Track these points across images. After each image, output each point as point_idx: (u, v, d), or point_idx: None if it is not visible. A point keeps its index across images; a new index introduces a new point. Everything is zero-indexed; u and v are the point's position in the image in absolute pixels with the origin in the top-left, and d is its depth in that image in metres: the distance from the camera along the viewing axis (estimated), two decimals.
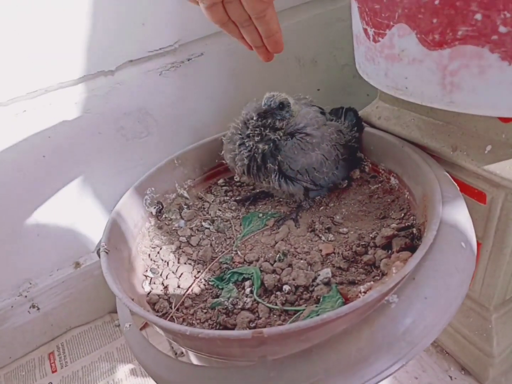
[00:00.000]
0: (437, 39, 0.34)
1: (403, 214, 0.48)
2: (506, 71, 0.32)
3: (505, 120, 0.41)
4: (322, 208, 0.54)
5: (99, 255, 0.45)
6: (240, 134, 0.50)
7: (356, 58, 0.49)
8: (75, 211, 0.68)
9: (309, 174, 0.50)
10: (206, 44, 0.68)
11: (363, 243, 0.46)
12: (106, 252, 0.44)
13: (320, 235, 0.49)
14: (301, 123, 0.49)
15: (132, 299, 0.42)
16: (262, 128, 0.48)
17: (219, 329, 0.41)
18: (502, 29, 0.31)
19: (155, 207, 0.56)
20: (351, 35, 0.50)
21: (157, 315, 0.44)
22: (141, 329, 0.69)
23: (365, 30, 0.42)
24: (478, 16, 0.31)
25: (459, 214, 0.40)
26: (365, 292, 0.36)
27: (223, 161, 0.63)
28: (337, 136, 0.52)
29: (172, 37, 0.64)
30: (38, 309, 0.70)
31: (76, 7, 0.55)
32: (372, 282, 0.37)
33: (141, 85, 0.65)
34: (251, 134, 0.49)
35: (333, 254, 0.47)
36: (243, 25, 0.40)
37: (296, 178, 0.50)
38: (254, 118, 0.48)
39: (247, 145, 0.49)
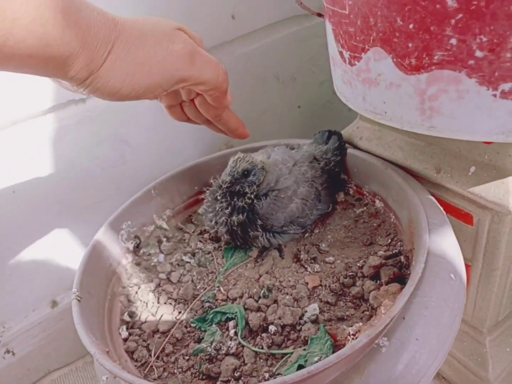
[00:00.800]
0: (414, 64, 0.33)
1: (390, 240, 0.46)
2: (484, 96, 0.31)
3: (487, 141, 0.39)
4: (307, 235, 0.52)
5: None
6: (215, 205, 0.48)
7: (333, 79, 0.48)
8: (49, 247, 0.65)
9: (293, 223, 0.48)
10: None
11: (351, 273, 0.44)
12: (78, 300, 0.41)
13: (306, 265, 0.47)
14: (272, 180, 0.47)
15: (107, 351, 0.39)
16: (230, 198, 0.47)
17: (202, 378, 0.39)
18: (478, 53, 0.30)
19: (132, 242, 0.54)
20: (328, 51, 0.48)
21: (135, 365, 0.41)
22: None
23: (341, 53, 0.41)
24: (453, 41, 0.30)
25: (446, 242, 0.38)
26: (354, 335, 0.34)
27: (203, 189, 0.62)
28: (312, 171, 0.50)
29: None
30: (14, 354, 0.66)
31: None
32: (360, 324, 0.35)
33: (114, 110, 0.62)
34: (220, 208, 0.47)
35: (320, 287, 0.44)
36: (204, 123, 0.42)
37: (283, 231, 0.48)
38: (220, 190, 0.47)
39: (221, 221, 0.47)
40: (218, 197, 0.47)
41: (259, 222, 0.47)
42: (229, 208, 0.47)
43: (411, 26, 0.31)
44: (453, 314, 0.34)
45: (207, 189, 0.52)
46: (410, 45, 0.33)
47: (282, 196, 0.47)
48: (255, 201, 0.46)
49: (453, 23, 0.29)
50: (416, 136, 0.47)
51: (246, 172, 0.46)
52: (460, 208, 0.45)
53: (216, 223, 0.48)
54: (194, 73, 0.33)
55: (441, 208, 0.42)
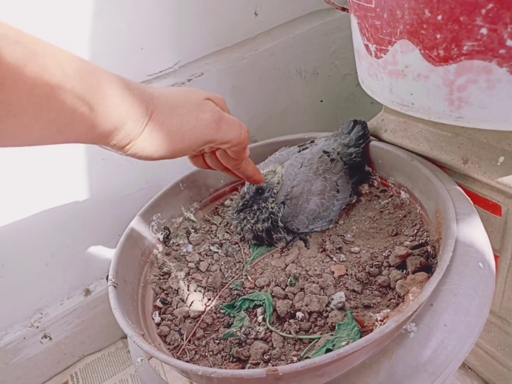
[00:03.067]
0: (442, 55, 0.33)
1: (416, 230, 0.47)
2: None
3: None
4: (331, 226, 0.53)
5: (107, 280, 0.44)
6: (239, 214, 0.51)
7: (358, 73, 0.48)
8: (82, 238, 0.68)
9: (317, 219, 0.50)
10: (206, 64, 0.67)
11: (376, 263, 0.45)
12: (114, 286, 0.43)
13: (331, 255, 0.48)
14: (287, 189, 0.50)
15: (142, 334, 0.41)
16: (251, 210, 0.50)
17: (232, 361, 0.40)
18: (509, 42, 0.30)
19: (162, 233, 0.56)
20: (351, 44, 0.49)
21: (168, 348, 0.43)
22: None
23: (366, 46, 0.41)
24: (484, 31, 0.30)
25: (474, 231, 0.38)
26: (381, 321, 0.35)
27: (228, 182, 0.63)
28: (323, 165, 0.51)
29: (171, 59, 0.64)
30: (51, 339, 0.69)
31: (75, 35, 0.55)
32: (388, 310, 0.35)
33: None
34: (244, 218, 0.50)
35: (346, 276, 0.45)
36: (223, 171, 0.46)
37: (310, 230, 0.51)
38: (240, 206, 0.50)
39: (246, 228, 0.50)
40: (240, 211, 0.51)
41: (282, 225, 0.49)
42: (254, 218, 0.50)
43: (439, 17, 0.32)
44: (482, 302, 0.34)
45: (233, 195, 0.56)
46: (438, 36, 0.33)
47: (299, 202, 0.49)
48: (275, 208, 0.49)
49: (484, 12, 0.29)
50: (442, 127, 0.47)
51: (260, 190, 0.49)
52: (488, 199, 0.44)
53: (242, 229, 0.51)
54: (220, 136, 0.37)
55: (469, 199, 0.42)
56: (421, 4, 0.32)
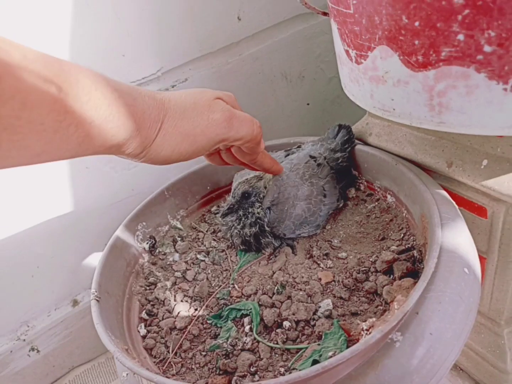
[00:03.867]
0: (421, 61, 0.33)
1: (402, 235, 0.46)
2: (494, 91, 0.31)
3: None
4: (319, 231, 0.52)
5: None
6: (227, 220, 0.51)
7: (341, 77, 0.48)
8: (68, 248, 0.67)
9: (304, 224, 0.50)
10: (190, 69, 0.66)
11: (364, 268, 0.44)
12: (97, 300, 0.42)
13: (318, 262, 0.48)
14: (273, 195, 0.49)
15: (127, 349, 0.40)
16: (238, 215, 0.50)
17: (219, 373, 0.40)
18: (487, 48, 0.29)
19: (147, 242, 0.55)
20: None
21: (154, 362, 0.43)
22: None
23: (347, 52, 0.41)
24: (461, 37, 0.30)
25: (459, 237, 0.38)
26: (367, 330, 0.34)
27: (215, 188, 0.63)
28: (309, 170, 0.51)
29: (154, 65, 0.63)
30: (38, 351, 0.68)
31: (54, 41, 0.54)
32: (374, 319, 0.35)
33: None
34: (232, 224, 0.51)
35: (333, 283, 0.45)
36: (241, 165, 0.46)
37: (297, 236, 0.51)
38: (225, 210, 0.50)
39: (234, 233, 0.50)
40: (226, 215, 0.51)
41: (269, 230, 0.49)
42: (240, 223, 0.49)
43: (417, 23, 0.32)
44: (467, 308, 0.34)
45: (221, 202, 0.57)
46: (416, 42, 0.33)
47: (285, 207, 0.49)
48: (261, 213, 0.49)
49: (460, 19, 0.29)
50: (426, 131, 0.47)
51: (246, 195, 0.49)
52: (474, 201, 0.44)
53: (231, 235, 0.51)
54: (232, 134, 0.37)
55: (454, 202, 0.42)
56: (398, 11, 0.31)
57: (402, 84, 0.35)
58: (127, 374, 0.42)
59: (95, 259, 0.70)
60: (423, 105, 0.35)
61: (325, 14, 0.48)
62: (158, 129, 0.32)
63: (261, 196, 0.49)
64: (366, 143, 0.55)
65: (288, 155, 0.54)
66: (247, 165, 0.46)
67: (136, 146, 0.31)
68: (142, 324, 0.46)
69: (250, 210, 0.49)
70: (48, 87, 0.24)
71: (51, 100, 0.25)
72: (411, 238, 0.45)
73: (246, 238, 0.49)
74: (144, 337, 0.45)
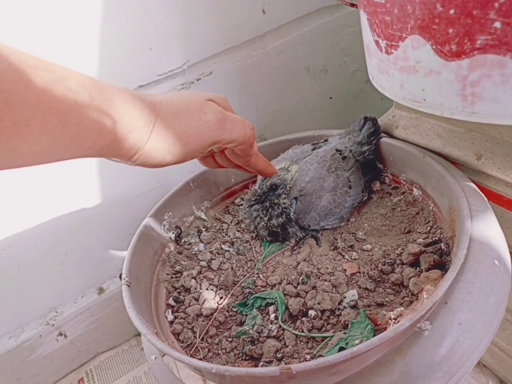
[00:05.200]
0: (455, 50, 0.33)
1: (429, 228, 0.46)
2: None
3: None
4: (343, 223, 0.53)
5: (121, 279, 0.45)
6: (251, 212, 0.52)
7: (368, 69, 0.48)
8: (95, 237, 0.69)
9: (329, 215, 0.50)
10: (215, 63, 0.67)
11: (389, 260, 0.44)
12: (128, 285, 0.44)
13: (343, 253, 0.48)
14: (299, 187, 0.50)
15: (156, 333, 0.41)
16: (264, 206, 0.50)
17: (245, 359, 0.41)
18: None
19: (173, 232, 0.56)
20: (361, 40, 0.48)
21: (182, 346, 0.44)
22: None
23: (377, 42, 0.41)
24: (498, 24, 0.29)
25: (489, 228, 0.38)
26: (395, 319, 0.34)
27: (239, 180, 0.63)
28: (335, 163, 0.51)
29: (180, 59, 0.64)
30: (66, 336, 0.71)
31: (84, 36, 0.55)
32: (402, 308, 0.35)
33: None
34: (257, 215, 0.51)
35: (358, 274, 0.45)
36: (234, 168, 0.47)
37: (322, 227, 0.51)
38: (252, 201, 0.51)
39: (260, 225, 0.51)
40: (253, 206, 0.51)
41: (295, 220, 0.49)
42: (267, 214, 0.50)
43: (451, 11, 0.31)
44: (498, 300, 0.34)
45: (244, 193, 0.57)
46: (450, 31, 0.32)
47: (312, 199, 0.49)
48: (287, 203, 0.49)
49: (497, 6, 0.29)
50: (455, 123, 0.46)
51: (274, 186, 0.50)
52: (503, 195, 0.44)
53: (255, 227, 0.52)
54: (224, 136, 0.37)
55: (483, 195, 0.42)
56: None
57: (434, 74, 0.35)
58: (155, 358, 0.44)
59: (121, 249, 0.71)
60: (455, 95, 0.35)
61: (352, 5, 0.47)
62: (150, 131, 0.32)
63: (288, 188, 0.50)
64: (392, 136, 0.55)
65: (315, 148, 0.54)
66: (241, 167, 0.46)
67: (129, 148, 0.31)
68: (170, 310, 0.47)
69: (276, 201, 0.50)
70: (32, 88, 0.24)
71: (35, 101, 0.24)
72: (438, 231, 0.45)
73: (273, 229, 0.50)
74: (171, 322, 0.46)
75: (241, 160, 0.44)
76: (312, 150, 0.54)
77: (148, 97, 0.33)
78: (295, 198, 0.49)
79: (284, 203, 0.49)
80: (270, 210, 0.50)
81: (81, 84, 0.27)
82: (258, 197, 0.50)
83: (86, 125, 0.27)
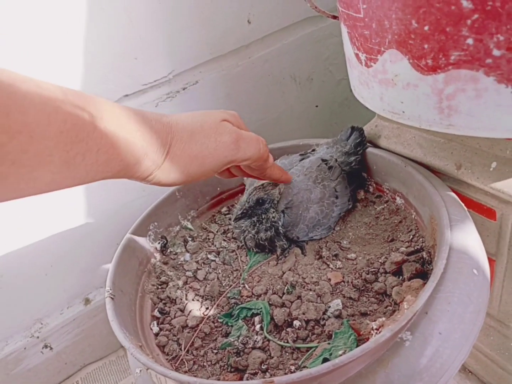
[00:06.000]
0: (430, 64, 0.34)
1: (411, 236, 0.47)
2: (503, 94, 0.31)
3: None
4: (330, 233, 0.53)
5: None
6: (240, 224, 0.52)
7: (350, 80, 0.49)
8: (81, 247, 0.68)
9: (317, 226, 0.51)
10: (200, 72, 0.68)
11: (373, 269, 0.45)
12: (112, 298, 0.43)
13: (328, 262, 0.48)
14: (287, 198, 0.50)
15: (140, 346, 0.41)
16: (252, 220, 0.50)
17: (230, 371, 0.40)
18: (496, 52, 0.30)
19: (159, 242, 0.56)
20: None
21: (167, 359, 0.43)
22: None
23: (357, 55, 0.42)
24: (470, 41, 0.30)
25: (468, 238, 0.38)
26: (377, 329, 0.35)
27: (225, 189, 0.64)
28: (322, 174, 0.52)
29: (165, 68, 0.64)
30: (51, 348, 0.70)
31: (68, 45, 0.55)
32: (383, 319, 0.36)
33: None
34: (245, 228, 0.51)
35: (342, 283, 0.45)
36: (249, 177, 0.48)
37: (310, 238, 0.51)
38: (238, 215, 0.50)
39: (248, 237, 0.51)
40: (239, 220, 0.51)
41: (283, 233, 0.50)
42: (254, 228, 0.50)
43: (426, 28, 0.32)
44: (476, 309, 0.34)
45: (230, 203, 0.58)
46: (426, 46, 0.33)
47: (299, 211, 0.50)
48: (276, 217, 0.50)
49: (469, 23, 0.29)
50: (435, 133, 0.47)
51: (261, 201, 0.50)
52: (483, 204, 0.45)
53: (244, 238, 0.52)
54: (239, 155, 0.38)
55: (463, 204, 0.42)
56: (408, 15, 0.32)
57: (411, 87, 0.36)
58: (140, 371, 0.43)
59: (106, 259, 0.71)
60: (432, 108, 0.35)
61: (334, 17, 0.48)
62: (166, 153, 0.32)
63: (275, 201, 0.50)
64: (375, 146, 0.55)
65: (303, 159, 0.55)
66: (256, 177, 0.47)
67: (144, 170, 0.32)
68: (155, 322, 0.47)
69: (263, 216, 0.50)
70: (54, 119, 0.24)
71: (57, 131, 0.25)
72: (420, 239, 0.46)
73: (261, 242, 0.50)
74: (156, 334, 0.46)
75: (256, 172, 0.44)
76: (300, 160, 0.54)
77: (163, 118, 0.34)
78: (282, 211, 0.50)
79: (273, 217, 0.50)
80: (257, 225, 0.50)
81: (98, 111, 0.28)
82: (244, 211, 0.50)
83: (105, 151, 0.28)
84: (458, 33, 0.30)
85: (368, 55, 0.39)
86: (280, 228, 0.50)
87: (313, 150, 0.58)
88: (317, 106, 0.80)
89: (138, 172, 0.32)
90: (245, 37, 0.68)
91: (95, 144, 0.27)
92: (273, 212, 0.50)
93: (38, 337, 0.68)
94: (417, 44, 0.33)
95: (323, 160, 0.53)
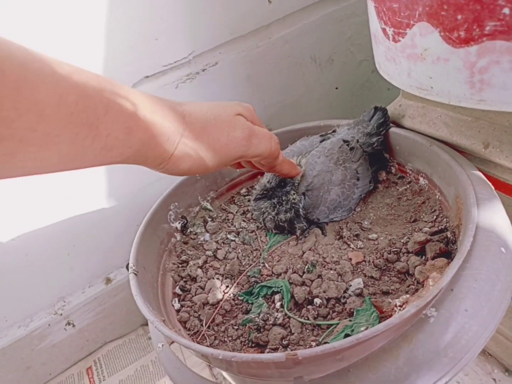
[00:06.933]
0: (463, 36, 0.33)
1: (435, 217, 0.46)
2: None
3: None
4: (351, 214, 0.53)
5: (128, 269, 0.45)
6: (260, 205, 0.52)
7: (375, 57, 0.48)
8: (102, 228, 0.69)
9: (338, 208, 0.50)
10: (220, 53, 0.67)
11: (395, 249, 0.45)
12: (135, 274, 0.44)
13: (348, 242, 0.48)
14: (307, 179, 0.50)
15: (163, 320, 0.42)
16: (273, 201, 0.50)
17: (251, 346, 0.41)
18: None
19: (179, 222, 0.56)
20: (367, 29, 0.48)
21: (188, 334, 0.44)
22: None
23: (384, 30, 0.41)
24: (507, 10, 0.29)
25: (496, 216, 0.38)
26: (401, 306, 0.35)
27: (245, 171, 0.64)
28: (343, 155, 0.51)
29: (185, 49, 0.64)
30: (74, 326, 0.72)
31: (89, 29, 0.55)
32: (408, 295, 0.35)
33: None
34: (265, 209, 0.51)
35: (363, 263, 0.45)
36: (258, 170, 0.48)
37: (331, 219, 0.51)
38: (258, 195, 0.51)
39: (268, 218, 0.51)
40: (259, 200, 0.51)
41: (304, 215, 0.49)
42: (275, 210, 0.50)
43: None
44: (504, 287, 0.34)
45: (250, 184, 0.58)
46: (459, 17, 0.32)
47: (320, 193, 0.49)
48: (297, 199, 0.49)
49: None
50: (462, 111, 0.46)
51: (283, 183, 0.50)
52: (510, 184, 0.44)
53: (263, 220, 0.52)
54: (251, 151, 0.37)
55: (490, 184, 0.41)
56: None
57: (441, 61, 0.35)
58: (162, 345, 0.44)
59: (127, 239, 0.72)
60: (463, 83, 0.34)
61: None
62: (178, 142, 0.32)
63: (296, 184, 0.50)
64: (398, 125, 0.54)
65: (323, 140, 0.54)
66: (265, 170, 0.46)
67: (154, 158, 0.31)
68: (176, 299, 0.48)
69: (284, 198, 0.50)
70: (65, 101, 0.24)
71: (67, 112, 0.24)
72: (444, 220, 0.45)
73: (281, 223, 0.50)
74: (178, 311, 0.47)
75: (265, 167, 0.44)
76: (320, 142, 0.54)
77: (178, 106, 0.33)
78: (303, 193, 0.49)
79: (293, 199, 0.49)
80: (278, 206, 0.50)
81: (112, 95, 0.27)
82: (265, 192, 0.50)
83: (115, 136, 0.28)
84: (495, 2, 0.29)
85: (396, 29, 0.38)
86: (300, 210, 0.49)
87: (334, 131, 0.57)
88: (337, 88, 0.79)
89: (148, 159, 0.31)
90: (266, 17, 0.67)
91: (105, 128, 0.27)
92: (294, 194, 0.50)
93: (61, 314, 0.70)
94: (450, 15, 0.32)
95: (344, 141, 0.53)
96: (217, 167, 0.36)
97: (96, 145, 0.27)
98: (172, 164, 0.33)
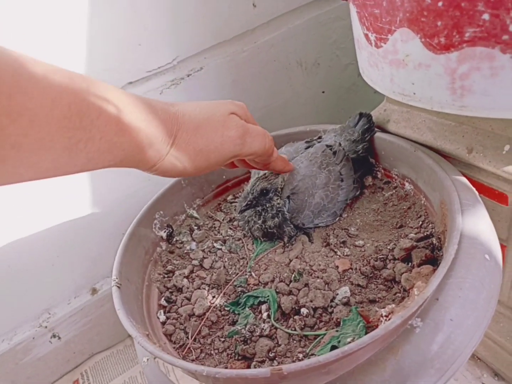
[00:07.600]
0: (443, 43, 0.32)
1: (420, 222, 0.46)
2: None
3: None
4: (336, 220, 0.52)
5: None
6: (244, 214, 0.51)
7: (359, 62, 0.47)
8: (87, 237, 0.68)
9: (323, 211, 0.50)
10: (205, 58, 0.66)
11: (381, 256, 0.44)
12: (118, 287, 0.43)
13: (335, 249, 0.47)
14: (292, 183, 0.49)
15: (147, 334, 0.41)
16: (257, 212, 0.50)
17: (238, 359, 0.40)
18: None
19: (165, 231, 0.55)
20: (352, 33, 0.48)
21: (174, 347, 0.43)
22: None
23: (366, 36, 0.40)
24: (486, 16, 0.29)
25: (480, 223, 0.37)
26: (386, 316, 0.34)
27: (231, 177, 0.63)
28: (326, 159, 0.51)
29: (170, 54, 0.63)
30: (59, 338, 0.70)
31: (72, 33, 0.54)
32: (393, 305, 0.35)
33: None
34: (251, 218, 0.50)
35: (350, 270, 0.45)
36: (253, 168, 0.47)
37: (316, 225, 0.50)
38: (243, 206, 0.50)
39: (255, 227, 0.50)
40: (244, 211, 0.50)
41: (288, 217, 0.49)
42: (261, 218, 0.49)
43: (440, 3, 0.31)
44: (489, 295, 0.33)
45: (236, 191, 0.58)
46: (439, 23, 0.32)
47: (305, 197, 0.49)
48: (281, 203, 0.49)
49: None
50: (446, 116, 0.46)
51: (265, 191, 0.49)
52: (494, 188, 0.43)
53: (250, 229, 0.51)
54: (245, 150, 0.37)
55: (474, 189, 0.41)
56: None
57: (423, 67, 0.35)
58: (147, 359, 0.43)
59: (113, 249, 0.70)
60: (445, 89, 0.34)
61: None
62: (170, 144, 0.32)
63: (279, 190, 0.50)
64: (384, 130, 0.54)
65: (308, 147, 0.54)
66: (259, 168, 0.46)
67: (147, 160, 0.31)
68: (162, 311, 0.47)
69: (268, 204, 0.49)
70: (58, 105, 0.24)
71: (60, 116, 0.24)
72: (430, 225, 0.45)
73: (269, 230, 0.49)
74: (163, 323, 0.46)
75: (259, 165, 0.44)
76: (306, 148, 0.53)
77: (170, 107, 0.33)
78: (288, 197, 0.49)
79: (278, 204, 0.49)
80: (263, 213, 0.49)
81: (104, 98, 0.27)
82: (249, 202, 0.49)
83: (108, 139, 0.27)
84: (474, 8, 0.29)
85: (378, 35, 0.37)
86: (286, 213, 0.49)
87: (320, 137, 0.56)
88: (323, 92, 0.79)
89: (142, 162, 0.31)
90: (250, 21, 0.67)
91: (98, 131, 0.26)
92: (277, 199, 0.49)
93: (46, 326, 0.69)
94: (430, 21, 0.32)
95: (327, 146, 0.52)
96: (211, 167, 0.36)
97: (90, 149, 0.27)
98: (165, 166, 0.33)
